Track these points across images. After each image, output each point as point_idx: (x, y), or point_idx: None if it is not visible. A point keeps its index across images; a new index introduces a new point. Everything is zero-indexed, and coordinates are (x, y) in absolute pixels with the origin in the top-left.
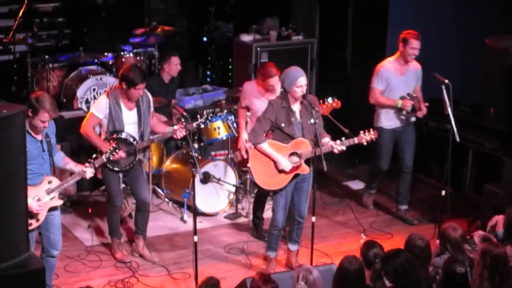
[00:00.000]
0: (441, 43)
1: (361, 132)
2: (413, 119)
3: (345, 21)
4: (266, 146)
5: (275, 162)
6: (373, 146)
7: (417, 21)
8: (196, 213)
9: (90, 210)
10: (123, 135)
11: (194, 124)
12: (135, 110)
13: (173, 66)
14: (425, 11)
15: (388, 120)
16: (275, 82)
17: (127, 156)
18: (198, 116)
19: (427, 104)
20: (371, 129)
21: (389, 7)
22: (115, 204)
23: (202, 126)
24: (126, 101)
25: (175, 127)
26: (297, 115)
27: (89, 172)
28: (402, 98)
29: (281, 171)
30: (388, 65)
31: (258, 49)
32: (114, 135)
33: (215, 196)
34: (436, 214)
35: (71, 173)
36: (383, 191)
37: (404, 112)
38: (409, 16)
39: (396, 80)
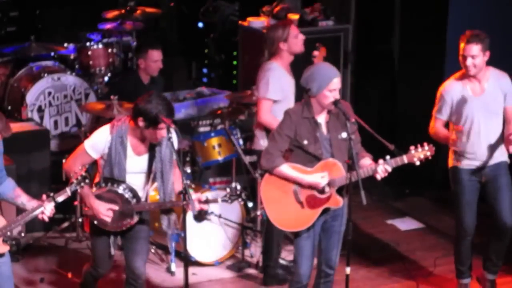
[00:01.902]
0: None
1: (412, 148)
2: (504, 158)
3: (391, 2)
4: (286, 168)
5: (296, 193)
6: (450, 195)
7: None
8: (188, 262)
9: (70, 275)
10: (121, 188)
11: (219, 199)
12: (145, 156)
13: (151, 62)
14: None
15: (467, 156)
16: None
17: (119, 217)
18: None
19: None
20: (425, 143)
21: None
22: (97, 269)
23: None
24: (136, 142)
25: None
26: (323, 129)
27: (49, 210)
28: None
29: (305, 205)
30: (453, 84)
31: None
32: (108, 186)
33: (214, 239)
34: None
35: (19, 210)
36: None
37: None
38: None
39: (468, 103)
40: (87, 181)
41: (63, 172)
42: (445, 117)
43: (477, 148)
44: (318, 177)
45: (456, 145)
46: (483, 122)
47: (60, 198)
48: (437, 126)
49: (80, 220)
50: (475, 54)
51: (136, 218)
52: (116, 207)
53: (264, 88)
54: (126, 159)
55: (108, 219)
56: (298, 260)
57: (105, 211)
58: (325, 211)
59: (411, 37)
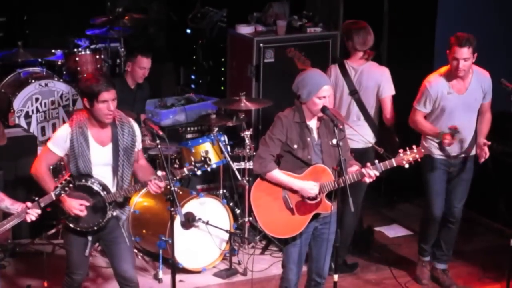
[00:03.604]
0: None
1: (401, 151)
2: (472, 152)
3: (379, 7)
4: (278, 173)
5: (286, 199)
6: (421, 183)
7: (479, 11)
8: (175, 269)
9: (46, 284)
10: (89, 181)
11: (185, 170)
12: (109, 145)
13: (137, 68)
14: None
15: (438, 147)
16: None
17: (92, 212)
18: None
19: (488, 143)
20: (414, 146)
21: None
22: (72, 277)
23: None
24: (97, 131)
25: (156, 176)
26: (315, 134)
27: (33, 214)
28: (452, 130)
29: (295, 211)
30: (439, 80)
31: (261, 45)
32: (75, 181)
33: (201, 246)
34: (503, 271)
35: (6, 214)
36: None
37: (446, 151)
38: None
39: (451, 100)
40: (71, 185)
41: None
42: (428, 110)
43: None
44: (311, 184)
45: (448, 141)
46: (462, 119)
47: (44, 202)
48: (420, 119)
49: None
50: (467, 57)
51: (109, 214)
52: (87, 202)
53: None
54: (90, 149)
55: (82, 214)
56: (287, 265)
57: (77, 205)
58: (315, 217)
59: (400, 43)
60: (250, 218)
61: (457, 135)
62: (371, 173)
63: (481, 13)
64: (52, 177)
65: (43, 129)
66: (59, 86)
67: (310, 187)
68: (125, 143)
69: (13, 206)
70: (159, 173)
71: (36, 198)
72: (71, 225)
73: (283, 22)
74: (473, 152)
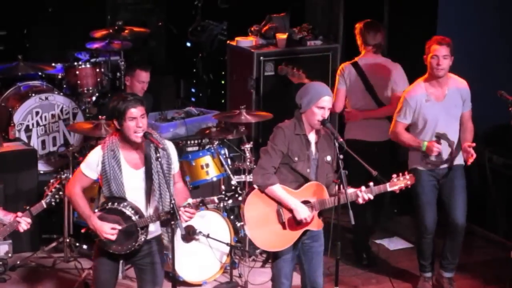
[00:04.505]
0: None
1: (394, 176)
2: (461, 161)
3: (379, 20)
4: (278, 188)
5: (279, 213)
6: (411, 195)
7: (477, 23)
8: (176, 282)
9: None
10: (121, 205)
11: (216, 199)
12: (142, 169)
13: (136, 82)
14: (484, 10)
15: (424, 159)
16: None
17: (125, 236)
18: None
19: (473, 144)
20: (406, 172)
21: (439, 4)
22: None
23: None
24: (129, 154)
25: (187, 204)
26: (313, 148)
27: (24, 223)
28: (438, 136)
29: (287, 226)
30: (417, 90)
31: (261, 58)
32: (108, 204)
33: (202, 259)
34: (504, 283)
35: None
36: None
37: (432, 158)
38: (465, 17)
39: (430, 108)
40: (61, 193)
41: (65, 197)
42: (408, 121)
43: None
44: (307, 211)
45: (432, 150)
46: (444, 126)
47: (36, 211)
48: (401, 130)
49: (67, 240)
50: (446, 54)
51: (141, 238)
52: (119, 226)
53: None
54: (122, 172)
55: (113, 237)
56: (277, 280)
57: (108, 229)
58: (304, 233)
59: (400, 56)
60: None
61: (446, 140)
62: (365, 196)
63: (481, 15)
64: (85, 201)
65: (43, 142)
66: (59, 100)
67: (304, 214)
68: (158, 166)
69: (6, 217)
70: (190, 200)
71: (27, 207)
72: (104, 247)
73: (283, 35)
74: (460, 161)
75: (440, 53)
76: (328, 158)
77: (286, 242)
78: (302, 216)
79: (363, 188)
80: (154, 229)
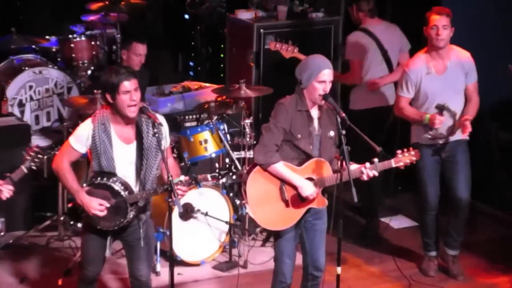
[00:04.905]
0: None
1: (399, 152)
2: (463, 136)
3: (382, 9)
4: (281, 167)
5: (282, 190)
6: (413, 171)
7: (481, 8)
8: (173, 261)
9: (60, 283)
10: (110, 180)
11: (209, 176)
12: (134, 144)
13: (133, 55)
14: None
15: (427, 132)
16: None
17: (114, 212)
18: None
19: (469, 117)
20: (411, 148)
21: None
22: (84, 272)
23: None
24: (121, 129)
25: (179, 181)
26: (316, 124)
27: (6, 191)
28: (439, 107)
29: (290, 204)
30: (418, 63)
31: (262, 31)
32: (97, 179)
33: (200, 238)
34: (510, 262)
35: None
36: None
37: (432, 132)
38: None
39: (431, 81)
40: (39, 156)
41: (46, 170)
42: (411, 95)
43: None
44: (312, 187)
45: (437, 122)
46: (445, 100)
47: (17, 177)
48: (405, 105)
49: (61, 218)
50: (445, 24)
51: (131, 214)
52: (107, 203)
53: None
54: (112, 147)
55: (101, 214)
56: (280, 259)
57: (96, 205)
58: (307, 210)
59: (403, 27)
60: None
61: (447, 111)
62: (370, 173)
63: (484, 10)
64: (73, 175)
65: (37, 117)
66: (54, 74)
67: (310, 192)
68: (149, 141)
69: None
70: (182, 177)
71: (8, 174)
72: (92, 223)
73: (284, 7)
74: (463, 137)
75: (439, 23)
76: (331, 133)
77: (289, 220)
78: (308, 192)
79: (367, 164)
80: (144, 204)
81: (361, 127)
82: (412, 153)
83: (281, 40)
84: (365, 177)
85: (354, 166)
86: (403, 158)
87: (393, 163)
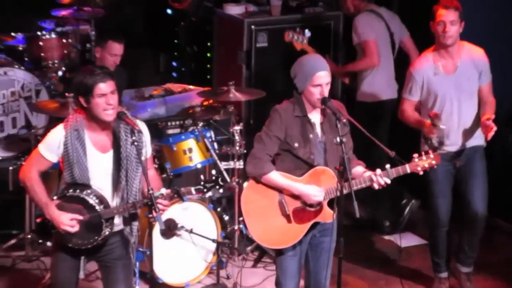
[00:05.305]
0: None
1: (415, 156)
2: (481, 141)
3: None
4: (276, 175)
5: (282, 204)
6: (423, 182)
7: (488, 7)
8: (155, 284)
9: None
10: (84, 193)
11: (193, 190)
12: (110, 152)
13: (107, 55)
14: None
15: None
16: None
17: (87, 228)
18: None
19: (492, 116)
20: (430, 151)
21: None
22: None
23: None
24: (96, 136)
25: (163, 190)
26: (318, 130)
27: None
28: (431, 118)
29: (292, 219)
30: (424, 63)
31: (253, 27)
32: (69, 191)
33: (184, 258)
34: None
35: None
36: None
37: (432, 141)
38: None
39: (439, 82)
40: None
41: (11, 182)
42: (416, 98)
43: (450, 131)
44: (315, 189)
45: (431, 131)
46: (456, 103)
47: None
48: (407, 109)
49: (29, 236)
50: (453, 19)
51: (105, 231)
52: (80, 217)
53: None
54: (87, 156)
55: (72, 230)
56: (282, 281)
57: (67, 220)
58: (313, 225)
59: (407, 23)
60: (241, 226)
61: (438, 124)
62: (381, 181)
63: (491, 9)
64: (43, 187)
65: (1, 124)
66: (20, 75)
67: (313, 193)
68: (128, 151)
69: None
70: (163, 190)
71: None
72: (63, 241)
73: (278, 1)
74: (479, 142)
75: (447, 19)
76: (338, 139)
77: (293, 237)
78: (313, 197)
79: (378, 171)
80: (119, 221)
81: (373, 122)
82: (431, 156)
83: (295, 30)
84: (376, 186)
85: (360, 169)
86: (421, 162)
87: (408, 168)
